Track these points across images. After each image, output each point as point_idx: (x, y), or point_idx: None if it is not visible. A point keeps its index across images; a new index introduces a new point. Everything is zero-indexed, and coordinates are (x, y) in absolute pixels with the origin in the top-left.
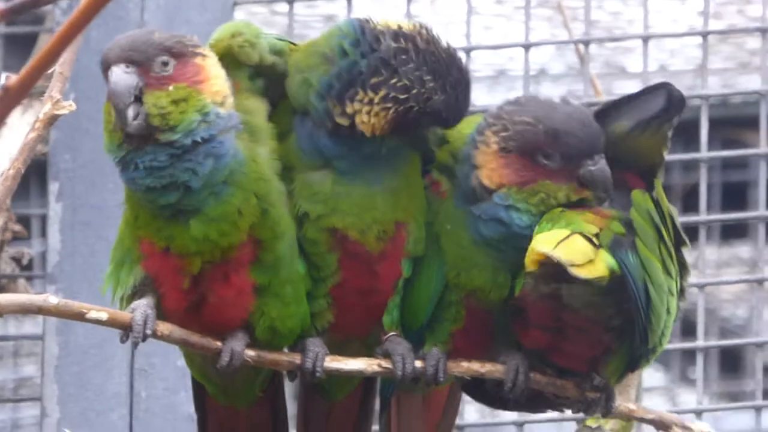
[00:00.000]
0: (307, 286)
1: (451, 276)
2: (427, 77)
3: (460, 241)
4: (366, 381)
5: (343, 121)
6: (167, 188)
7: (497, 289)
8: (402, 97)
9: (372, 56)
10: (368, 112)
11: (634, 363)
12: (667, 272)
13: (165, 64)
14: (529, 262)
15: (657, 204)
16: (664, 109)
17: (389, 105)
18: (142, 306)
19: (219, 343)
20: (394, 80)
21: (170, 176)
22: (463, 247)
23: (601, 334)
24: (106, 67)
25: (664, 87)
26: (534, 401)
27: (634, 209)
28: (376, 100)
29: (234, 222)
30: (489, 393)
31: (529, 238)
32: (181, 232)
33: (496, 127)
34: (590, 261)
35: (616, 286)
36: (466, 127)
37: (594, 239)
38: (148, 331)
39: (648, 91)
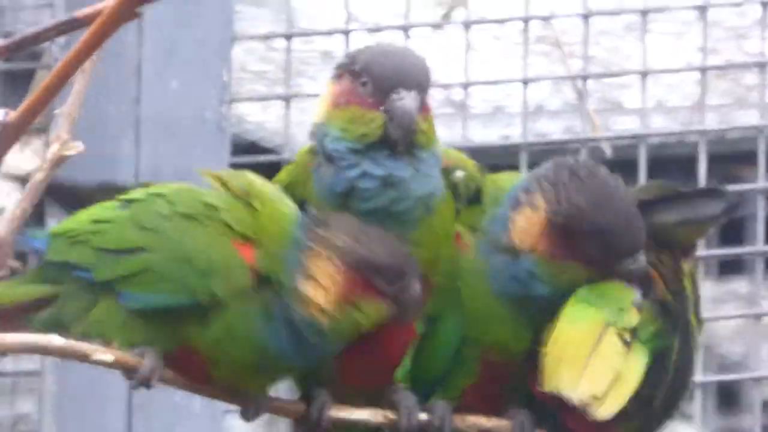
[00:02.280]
0: None
1: (470, 329)
2: None
3: (479, 294)
4: None
5: None
6: None
7: (516, 342)
8: None
9: None
10: None
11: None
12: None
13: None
14: (547, 382)
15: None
16: (718, 216)
17: None
18: (152, 352)
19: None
20: None
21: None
22: (482, 300)
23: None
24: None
25: (723, 195)
26: None
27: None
28: None
29: None
30: None
31: (549, 301)
32: None
33: (548, 195)
34: (605, 392)
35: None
36: (510, 181)
37: (627, 334)
38: (153, 383)
39: (705, 194)
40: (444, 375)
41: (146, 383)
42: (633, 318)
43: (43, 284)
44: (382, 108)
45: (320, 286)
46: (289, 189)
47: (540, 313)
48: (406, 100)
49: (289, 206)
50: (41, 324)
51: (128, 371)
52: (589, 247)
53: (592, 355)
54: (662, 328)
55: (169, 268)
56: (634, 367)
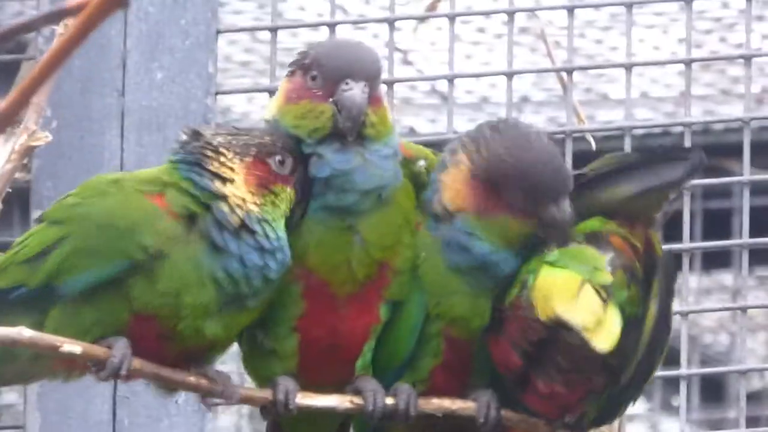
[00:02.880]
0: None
1: (431, 306)
2: None
3: (437, 270)
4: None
5: None
6: None
7: (476, 316)
8: None
9: None
10: None
11: (613, 409)
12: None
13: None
14: (541, 311)
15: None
16: (678, 180)
17: None
18: (122, 343)
19: (191, 377)
20: None
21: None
22: (440, 275)
23: (591, 376)
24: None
25: (687, 157)
26: None
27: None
28: None
29: None
30: None
31: (498, 266)
32: None
33: (470, 150)
34: (599, 323)
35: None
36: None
37: (603, 292)
38: (123, 371)
39: (669, 157)
40: (410, 358)
41: (116, 373)
42: (607, 277)
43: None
44: (331, 100)
45: (233, 185)
46: None
47: (494, 282)
48: (355, 90)
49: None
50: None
51: (98, 363)
52: (513, 195)
53: (578, 297)
54: (634, 295)
55: (94, 241)
56: (614, 321)
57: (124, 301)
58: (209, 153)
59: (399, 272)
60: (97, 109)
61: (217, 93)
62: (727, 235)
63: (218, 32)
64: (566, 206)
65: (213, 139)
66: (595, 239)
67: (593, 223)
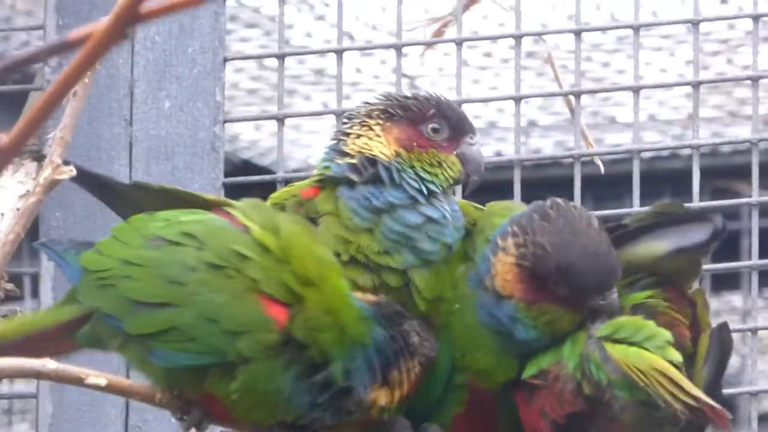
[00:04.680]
0: None
1: (458, 356)
2: None
3: (468, 322)
4: None
5: None
6: None
7: (501, 371)
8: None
9: None
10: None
11: None
12: None
13: None
14: (672, 399)
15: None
16: (707, 242)
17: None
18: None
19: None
20: None
21: None
22: (469, 328)
23: None
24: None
25: (711, 221)
26: None
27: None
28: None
29: None
30: None
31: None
32: None
33: (517, 239)
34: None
35: None
36: (503, 213)
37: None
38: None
39: (693, 219)
40: (437, 402)
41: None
42: (677, 354)
43: (80, 304)
44: (455, 152)
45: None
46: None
47: (525, 348)
48: (477, 144)
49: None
50: (84, 339)
51: (123, 395)
52: (559, 287)
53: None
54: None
55: (196, 328)
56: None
57: (201, 380)
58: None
59: (438, 323)
60: (106, 138)
61: (225, 121)
62: (736, 256)
63: (225, 60)
64: (614, 298)
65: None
66: (642, 310)
67: (641, 295)
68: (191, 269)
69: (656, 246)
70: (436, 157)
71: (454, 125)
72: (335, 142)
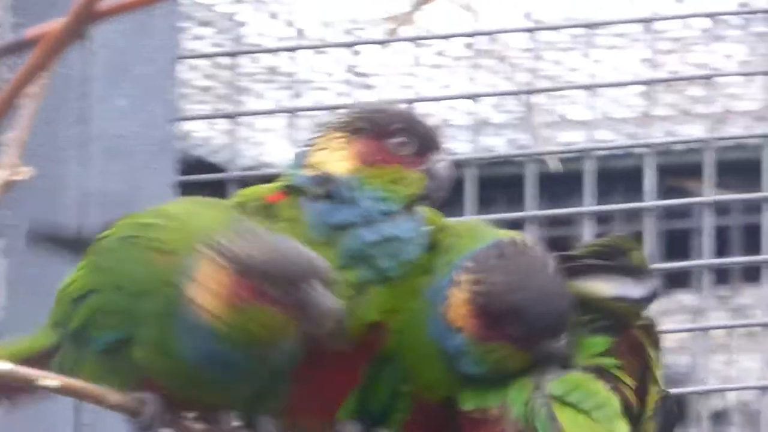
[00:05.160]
0: None
1: (405, 366)
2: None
3: (418, 336)
4: None
5: None
6: None
7: (446, 387)
8: None
9: None
10: None
11: None
12: None
13: None
14: None
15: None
16: (643, 300)
17: None
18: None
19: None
20: None
21: None
22: (420, 342)
23: None
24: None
25: (649, 281)
26: None
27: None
28: None
29: None
30: None
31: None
32: None
33: (472, 276)
34: None
35: None
36: (471, 238)
37: None
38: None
39: (634, 273)
40: (387, 408)
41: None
42: (626, 429)
43: (52, 332)
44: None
45: (208, 291)
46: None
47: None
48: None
49: (215, 218)
50: (56, 368)
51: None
52: (510, 327)
53: None
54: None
55: (111, 302)
56: None
57: (131, 362)
58: (210, 255)
59: (393, 332)
60: (62, 137)
61: (178, 119)
62: (687, 255)
63: (179, 58)
64: (564, 342)
65: (229, 245)
66: (597, 371)
67: (597, 346)
68: (109, 251)
69: (602, 287)
70: (399, 173)
71: (422, 140)
72: (302, 150)
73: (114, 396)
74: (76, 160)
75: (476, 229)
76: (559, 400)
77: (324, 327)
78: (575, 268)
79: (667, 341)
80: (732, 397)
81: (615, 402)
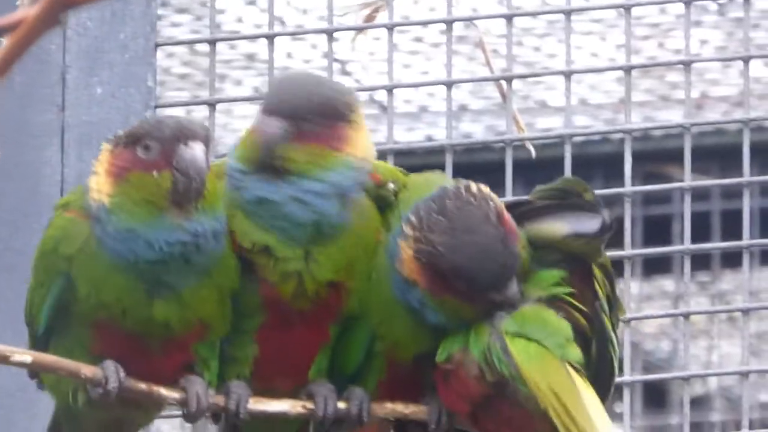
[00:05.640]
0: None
1: (375, 324)
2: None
3: (384, 293)
4: None
5: None
6: None
7: (416, 344)
8: None
9: None
10: None
11: None
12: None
13: None
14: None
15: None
16: (597, 233)
17: None
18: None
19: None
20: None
21: None
22: (385, 300)
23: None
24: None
25: (600, 213)
26: None
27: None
28: None
29: None
30: None
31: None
32: None
33: (415, 233)
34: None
35: None
36: (420, 189)
37: (583, 375)
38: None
39: (586, 208)
40: (361, 369)
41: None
42: (578, 352)
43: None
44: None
45: (97, 174)
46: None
47: (437, 327)
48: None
49: None
50: (42, 385)
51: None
52: (455, 285)
53: (582, 400)
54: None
55: (39, 269)
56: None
57: (79, 316)
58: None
59: (353, 292)
60: (37, 124)
61: (156, 106)
62: (667, 240)
63: (157, 45)
64: (511, 290)
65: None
66: (549, 301)
67: (550, 278)
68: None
69: (557, 227)
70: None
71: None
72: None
73: (86, 369)
74: (53, 148)
75: (428, 179)
76: (511, 334)
77: (190, 179)
78: (529, 211)
79: (648, 328)
80: (713, 383)
81: (566, 328)
